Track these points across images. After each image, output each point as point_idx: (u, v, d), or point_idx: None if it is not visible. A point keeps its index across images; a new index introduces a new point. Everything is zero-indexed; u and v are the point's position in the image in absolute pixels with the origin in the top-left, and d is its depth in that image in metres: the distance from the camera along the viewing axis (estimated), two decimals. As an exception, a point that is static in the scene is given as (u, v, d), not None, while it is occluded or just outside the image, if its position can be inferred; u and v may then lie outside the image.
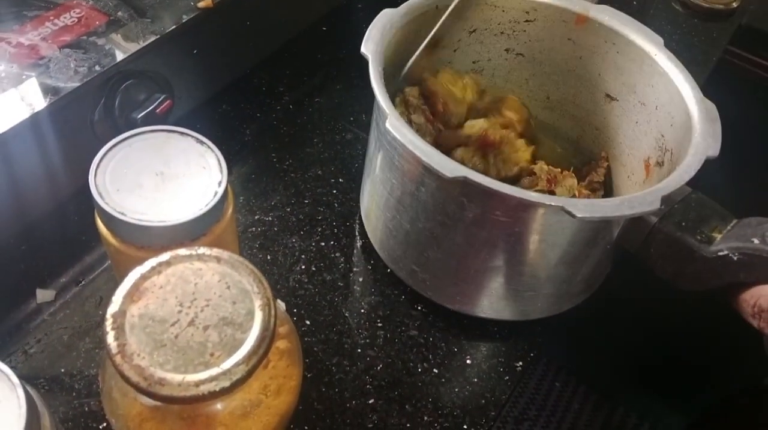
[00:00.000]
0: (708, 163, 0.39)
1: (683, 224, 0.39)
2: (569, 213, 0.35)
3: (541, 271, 0.42)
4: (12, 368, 0.28)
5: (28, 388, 0.28)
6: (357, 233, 0.51)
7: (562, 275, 0.43)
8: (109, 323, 0.26)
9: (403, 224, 0.43)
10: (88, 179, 0.33)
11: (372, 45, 0.42)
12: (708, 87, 0.67)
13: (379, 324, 0.45)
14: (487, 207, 0.38)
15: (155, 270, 0.28)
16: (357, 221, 0.51)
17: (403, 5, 0.46)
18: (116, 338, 0.26)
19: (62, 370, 0.41)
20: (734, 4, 0.75)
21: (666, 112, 0.45)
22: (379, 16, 0.44)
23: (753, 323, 0.38)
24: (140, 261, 0.28)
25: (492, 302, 0.44)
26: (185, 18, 0.50)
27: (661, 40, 0.46)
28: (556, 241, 0.40)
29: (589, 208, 0.35)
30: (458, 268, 0.43)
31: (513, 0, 0.49)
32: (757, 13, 0.77)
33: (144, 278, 0.28)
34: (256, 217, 0.50)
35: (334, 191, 0.53)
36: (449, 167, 0.36)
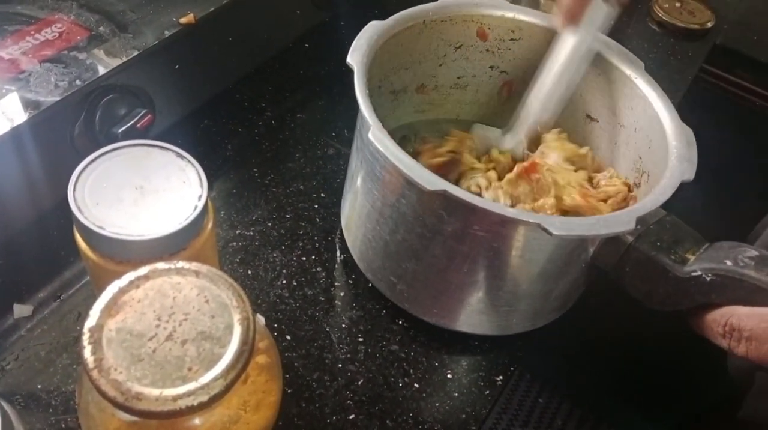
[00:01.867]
0: (682, 185, 0.39)
1: (658, 244, 0.40)
2: (546, 230, 0.35)
3: (517, 286, 0.42)
4: (-13, 383, 0.28)
5: (4, 404, 0.28)
6: (338, 248, 0.51)
7: (538, 291, 0.43)
8: (86, 337, 0.26)
9: (382, 235, 0.44)
10: (67, 193, 0.33)
11: (358, 56, 0.42)
12: (684, 104, 0.68)
13: (360, 339, 0.45)
14: (466, 221, 0.38)
15: (133, 284, 0.28)
16: (338, 236, 0.51)
17: (391, 18, 0.46)
18: (93, 353, 0.25)
19: (39, 386, 0.40)
20: (709, 24, 0.77)
21: (644, 135, 0.46)
22: (366, 27, 0.45)
23: (722, 343, 0.38)
24: (119, 275, 0.28)
25: (468, 315, 0.45)
26: (167, 33, 0.50)
27: (642, 64, 0.47)
28: (533, 257, 0.40)
29: (566, 226, 0.36)
30: (436, 280, 0.43)
31: (499, 18, 0.50)
32: (730, 33, 0.79)
33: (122, 291, 0.27)
34: (238, 231, 0.50)
35: (316, 206, 0.53)
36: (430, 180, 0.36)
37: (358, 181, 0.45)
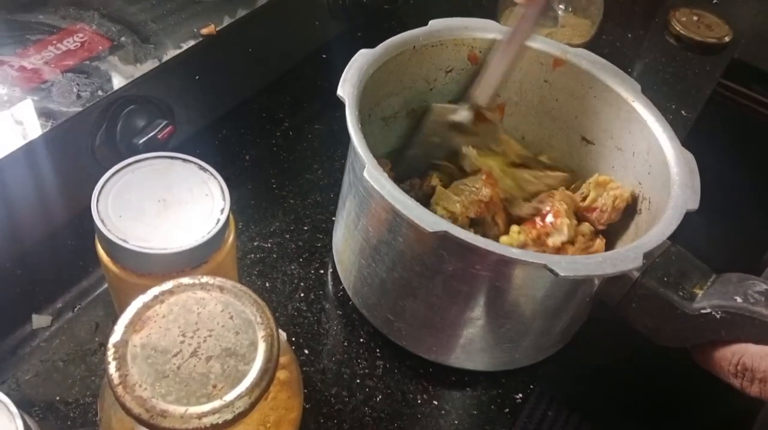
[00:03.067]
0: (687, 214, 0.38)
1: (665, 279, 0.38)
2: (552, 271, 0.34)
3: (520, 324, 0.41)
4: (6, 394, 0.28)
5: (26, 418, 0.27)
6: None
7: (541, 327, 0.42)
8: (111, 353, 0.26)
9: (378, 272, 0.42)
10: (86, 204, 0.33)
11: (349, 87, 0.41)
12: (701, 119, 0.68)
13: (378, 354, 0.45)
14: (467, 261, 0.37)
15: (158, 299, 0.27)
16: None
17: (381, 46, 0.45)
18: (118, 369, 0.25)
19: (57, 397, 0.40)
20: (726, 39, 0.77)
21: (643, 160, 0.45)
22: (355, 56, 0.43)
23: (733, 383, 0.37)
24: (140, 288, 0.28)
25: (470, 353, 0.43)
26: (188, 44, 0.50)
27: (639, 86, 0.46)
28: (536, 295, 0.39)
29: (572, 266, 0.34)
30: (435, 319, 0.42)
31: (490, 41, 0.48)
32: (748, 47, 0.79)
33: (146, 306, 0.27)
34: (255, 243, 0.50)
35: (334, 218, 0.53)
36: (430, 221, 0.35)
37: (352, 216, 0.43)
